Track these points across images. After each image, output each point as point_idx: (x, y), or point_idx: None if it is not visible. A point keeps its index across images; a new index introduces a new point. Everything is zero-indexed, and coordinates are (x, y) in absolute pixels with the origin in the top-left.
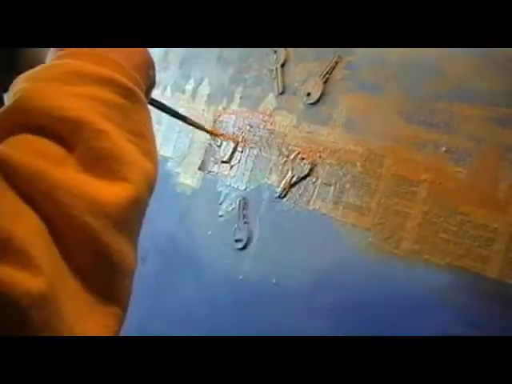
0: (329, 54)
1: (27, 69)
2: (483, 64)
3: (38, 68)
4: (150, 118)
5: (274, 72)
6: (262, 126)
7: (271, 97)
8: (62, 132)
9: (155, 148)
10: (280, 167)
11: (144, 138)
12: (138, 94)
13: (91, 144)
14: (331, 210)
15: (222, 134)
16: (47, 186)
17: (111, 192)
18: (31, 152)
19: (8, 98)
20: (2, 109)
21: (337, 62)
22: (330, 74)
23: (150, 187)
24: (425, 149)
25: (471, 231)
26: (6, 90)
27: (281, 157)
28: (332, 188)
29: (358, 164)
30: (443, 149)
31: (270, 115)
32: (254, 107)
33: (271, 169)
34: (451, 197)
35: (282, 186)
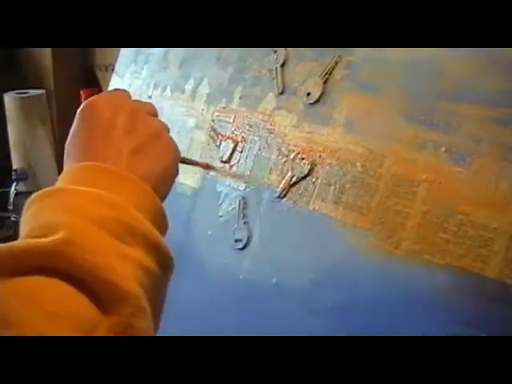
0: (329, 53)
1: (27, 69)
2: (483, 64)
3: (74, 192)
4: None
5: (274, 72)
6: (261, 126)
7: (271, 97)
8: (103, 295)
9: (162, 309)
10: (280, 167)
11: (160, 306)
12: (172, 261)
13: (131, 322)
14: (331, 210)
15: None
16: None
17: None
18: (66, 315)
19: (30, 209)
20: (43, 243)
21: (337, 62)
22: (329, 73)
23: None
24: (425, 149)
25: (471, 231)
26: (6, 90)
27: (280, 157)
28: (332, 188)
29: (358, 164)
30: (443, 149)
31: (270, 115)
32: (253, 107)
33: (271, 169)
34: (451, 197)
35: (281, 185)
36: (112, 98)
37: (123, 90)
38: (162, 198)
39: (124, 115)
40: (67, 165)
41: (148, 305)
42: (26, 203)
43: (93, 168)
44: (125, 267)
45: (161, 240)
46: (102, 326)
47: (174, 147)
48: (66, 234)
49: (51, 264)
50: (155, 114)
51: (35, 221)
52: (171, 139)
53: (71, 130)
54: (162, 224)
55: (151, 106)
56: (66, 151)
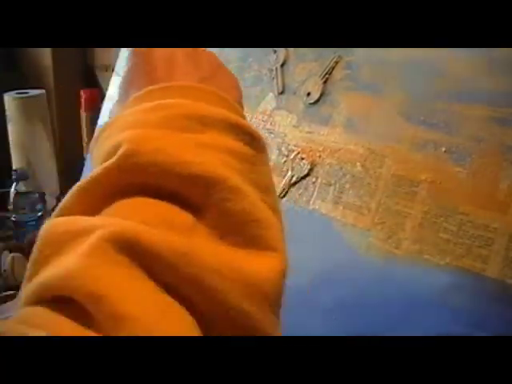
0: (329, 53)
1: (27, 69)
2: (483, 64)
3: (132, 111)
4: (270, 168)
5: (274, 72)
6: (261, 126)
7: (271, 96)
8: (189, 193)
9: (279, 202)
10: (280, 167)
11: (270, 192)
12: (263, 140)
13: (227, 207)
14: (331, 210)
15: None
16: (193, 272)
17: (264, 267)
18: (160, 225)
19: (94, 151)
20: (104, 166)
21: (337, 62)
22: (329, 73)
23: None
24: (425, 149)
25: (471, 231)
26: (6, 90)
27: (280, 156)
28: (332, 188)
29: (358, 164)
30: (443, 149)
31: (270, 115)
32: (253, 107)
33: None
34: (451, 197)
35: (281, 185)
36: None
37: None
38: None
39: (182, 50)
40: (120, 104)
41: (248, 185)
42: (95, 134)
43: (159, 89)
44: (204, 155)
45: (240, 120)
46: (201, 227)
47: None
48: (130, 146)
49: (123, 182)
50: None
51: (104, 147)
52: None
53: (124, 71)
54: (220, 102)
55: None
56: (119, 92)
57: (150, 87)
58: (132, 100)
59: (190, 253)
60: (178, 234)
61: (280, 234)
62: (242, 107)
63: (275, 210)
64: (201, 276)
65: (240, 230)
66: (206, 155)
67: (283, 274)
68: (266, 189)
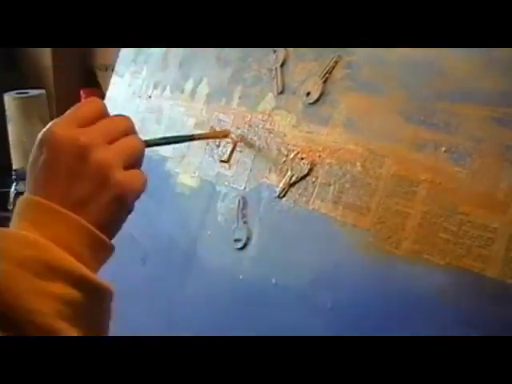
0: (329, 53)
1: (27, 69)
2: (483, 64)
3: (13, 236)
4: (109, 306)
5: (274, 72)
6: (261, 126)
7: (270, 96)
8: (27, 333)
9: (107, 330)
10: (279, 167)
11: (99, 328)
12: (106, 289)
13: None
14: (331, 210)
15: (226, 135)
16: None
17: None
18: None
19: None
20: None
21: (337, 62)
22: (329, 73)
23: None
24: (425, 149)
25: (471, 231)
26: (6, 90)
27: (280, 156)
28: (331, 188)
29: (358, 164)
30: (443, 149)
31: (269, 115)
32: (253, 107)
33: (270, 168)
34: (451, 197)
35: (281, 185)
36: (73, 137)
37: (93, 106)
38: (106, 223)
39: (77, 158)
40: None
41: (74, 332)
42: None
43: (33, 203)
44: (46, 306)
45: (83, 274)
46: None
47: (125, 187)
48: None
49: None
50: (129, 131)
51: None
52: (124, 176)
53: (31, 155)
54: (99, 252)
55: (124, 122)
56: (27, 171)
57: (28, 198)
58: (19, 201)
59: None
60: None
61: None
62: (117, 222)
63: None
64: None
65: None
66: (48, 306)
67: None
68: (97, 328)
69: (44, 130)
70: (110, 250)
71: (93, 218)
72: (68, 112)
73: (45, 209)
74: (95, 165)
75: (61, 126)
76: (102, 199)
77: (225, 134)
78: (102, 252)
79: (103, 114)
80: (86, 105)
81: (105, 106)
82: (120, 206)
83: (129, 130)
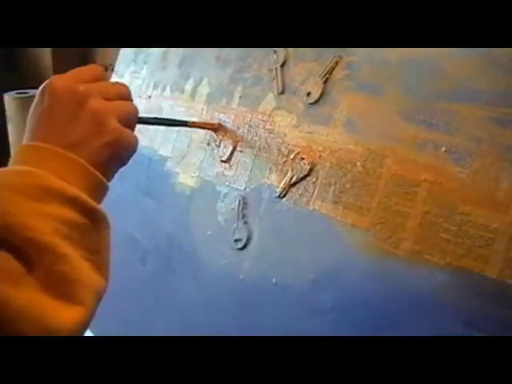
0: (329, 53)
1: (27, 69)
2: (483, 64)
3: (7, 171)
4: (109, 232)
5: (274, 72)
6: (261, 126)
7: (271, 96)
8: (26, 251)
9: (108, 260)
10: (280, 167)
11: (99, 253)
12: (100, 213)
13: (53, 268)
14: (331, 210)
15: (218, 128)
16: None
17: (66, 317)
18: None
19: None
20: None
21: (337, 62)
22: (330, 73)
23: (100, 299)
24: (425, 149)
25: (471, 231)
26: (6, 90)
27: (280, 156)
28: (332, 188)
29: (358, 164)
30: (443, 149)
31: (270, 115)
32: (253, 107)
33: (271, 168)
34: (451, 197)
35: (281, 185)
36: (73, 86)
37: (92, 69)
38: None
39: (75, 103)
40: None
41: (73, 251)
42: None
43: (32, 147)
44: (43, 224)
45: (78, 195)
46: (30, 276)
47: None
48: None
49: None
50: (126, 97)
51: None
52: (119, 128)
53: (32, 104)
54: (95, 189)
55: (122, 87)
56: (27, 122)
57: (26, 144)
58: (25, 150)
59: (3, 292)
60: (6, 278)
61: (91, 292)
62: (113, 165)
63: (101, 268)
64: (6, 309)
65: (59, 287)
66: (45, 225)
67: (83, 323)
68: (95, 251)
69: (46, 82)
70: (104, 189)
71: (86, 159)
72: (69, 72)
73: (41, 149)
74: (92, 110)
75: (62, 79)
76: (96, 142)
77: (215, 128)
78: (97, 189)
79: (102, 78)
80: (86, 68)
81: (104, 73)
82: (112, 152)
83: (125, 95)
